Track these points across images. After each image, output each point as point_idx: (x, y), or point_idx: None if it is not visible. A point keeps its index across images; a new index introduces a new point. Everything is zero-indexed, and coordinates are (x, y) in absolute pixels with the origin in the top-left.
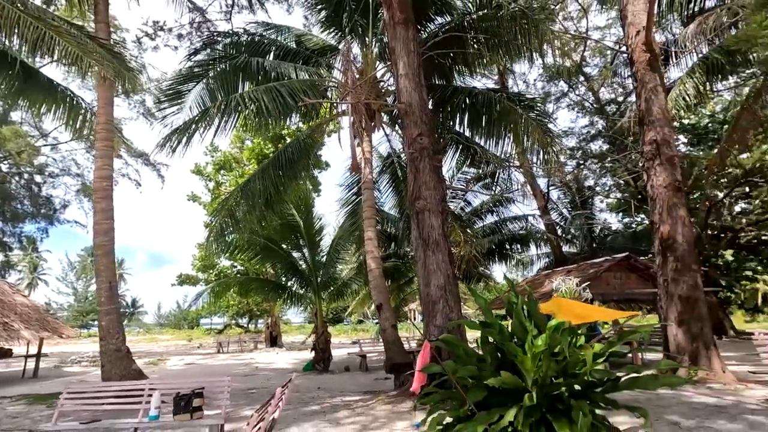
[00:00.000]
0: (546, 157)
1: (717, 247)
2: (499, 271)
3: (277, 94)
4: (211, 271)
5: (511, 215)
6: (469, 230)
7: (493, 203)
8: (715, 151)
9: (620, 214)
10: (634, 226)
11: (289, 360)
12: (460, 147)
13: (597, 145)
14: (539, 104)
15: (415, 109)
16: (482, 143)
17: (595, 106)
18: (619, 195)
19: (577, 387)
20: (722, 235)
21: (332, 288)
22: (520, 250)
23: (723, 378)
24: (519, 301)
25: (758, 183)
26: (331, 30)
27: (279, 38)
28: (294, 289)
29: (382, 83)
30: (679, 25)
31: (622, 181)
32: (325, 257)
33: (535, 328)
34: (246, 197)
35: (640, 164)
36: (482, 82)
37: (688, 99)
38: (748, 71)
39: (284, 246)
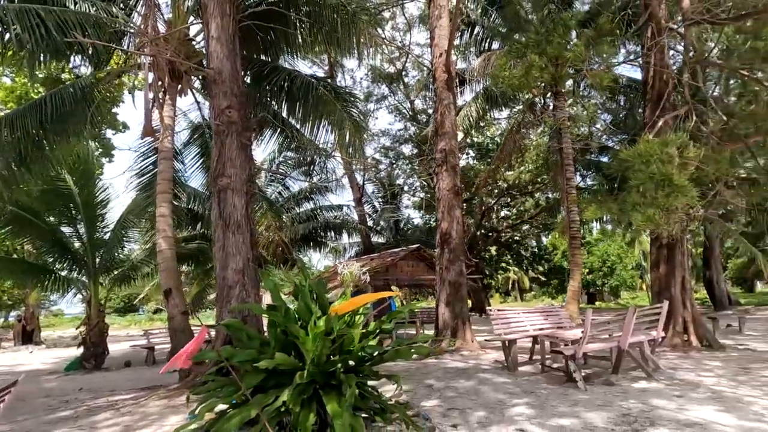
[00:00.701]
0: (353, 151)
1: (486, 244)
2: (314, 258)
3: (38, 22)
4: None
5: (328, 204)
6: (283, 216)
7: (310, 190)
8: (491, 166)
9: (421, 211)
10: (430, 222)
11: (48, 359)
12: (279, 129)
13: (408, 149)
14: (357, 100)
15: (226, 78)
16: (299, 128)
17: (410, 113)
18: (422, 195)
19: (351, 362)
20: (490, 234)
21: (116, 272)
22: (334, 238)
23: (471, 346)
24: (306, 285)
25: (515, 195)
26: None
27: None
28: (63, 273)
29: (194, 43)
30: (475, 57)
31: (424, 182)
32: (108, 235)
33: (320, 310)
34: None
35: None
36: (312, 69)
37: (471, 120)
38: (517, 107)
39: (50, 219)
